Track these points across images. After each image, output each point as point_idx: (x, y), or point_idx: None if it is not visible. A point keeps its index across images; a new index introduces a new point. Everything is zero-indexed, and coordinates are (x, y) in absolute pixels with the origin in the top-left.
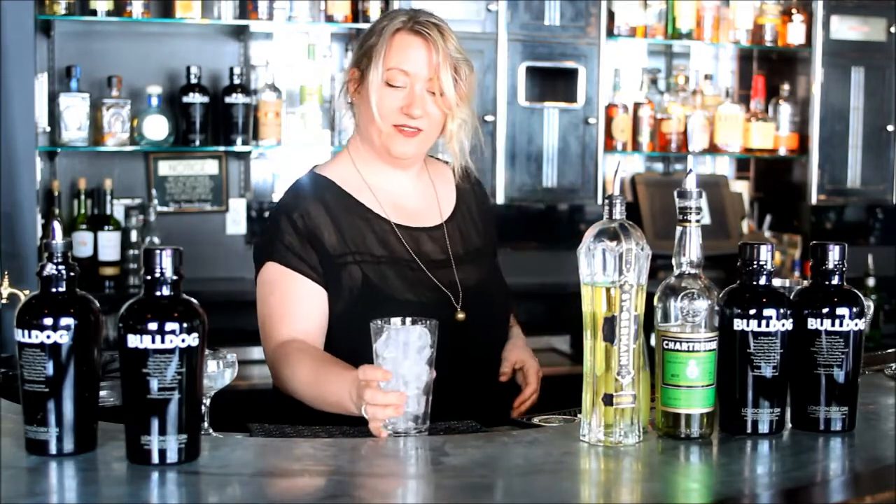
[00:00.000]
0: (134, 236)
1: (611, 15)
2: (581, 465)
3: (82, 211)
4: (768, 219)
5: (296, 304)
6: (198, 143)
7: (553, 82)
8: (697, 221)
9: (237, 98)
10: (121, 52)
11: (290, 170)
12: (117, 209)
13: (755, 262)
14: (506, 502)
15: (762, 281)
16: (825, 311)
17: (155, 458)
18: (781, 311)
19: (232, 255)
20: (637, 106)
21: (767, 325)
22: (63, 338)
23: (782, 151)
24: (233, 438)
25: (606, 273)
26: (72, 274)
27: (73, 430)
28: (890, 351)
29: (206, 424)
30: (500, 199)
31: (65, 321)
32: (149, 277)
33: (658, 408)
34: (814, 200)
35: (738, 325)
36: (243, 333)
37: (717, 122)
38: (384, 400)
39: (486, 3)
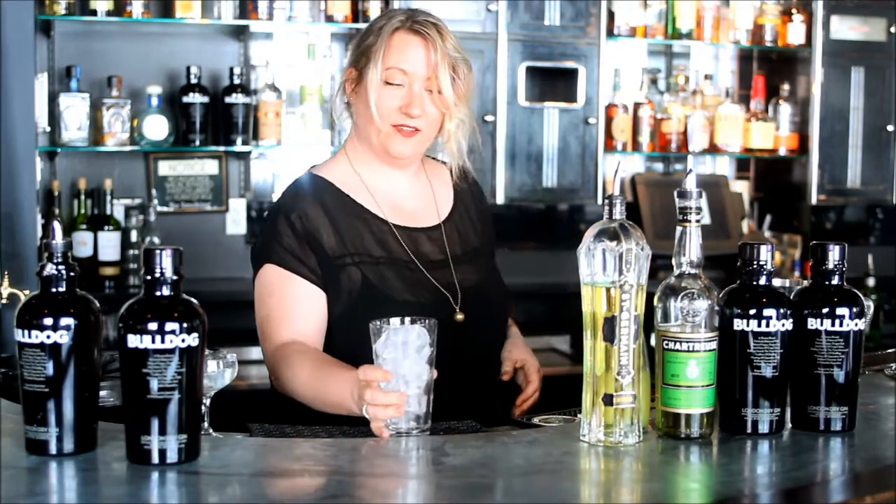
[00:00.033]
0: (134, 236)
1: (611, 15)
2: (581, 465)
3: (82, 211)
4: (768, 219)
5: (295, 306)
6: (198, 143)
7: (553, 82)
8: (697, 221)
9: (237, 98)
10: (121, 52)
11: (290, 170)
12: (117, 209)
13: (755, 262)
14: (506, 502)
15: (762, 281)
16: (825, 311)
17: (155, 458)
18: (781, 311)
19: (232, 255)
20: (637, 106)
21: (767, 325)
22: (63, 338)
23: (782, 151)
24: (233, 438)
25: (606, 273)
26: (72, 274)
27: (73, 430)
28: (890, 351)
29: (206, 424)
30: (500, 199)
31: (65, 321)
32: (149, 277)
33: (658, 408)
34: (814, 200)
35: (738, 325)
36: (243, 333)
37: (717, 122)
38: (385, 400)
39: (486, 3)
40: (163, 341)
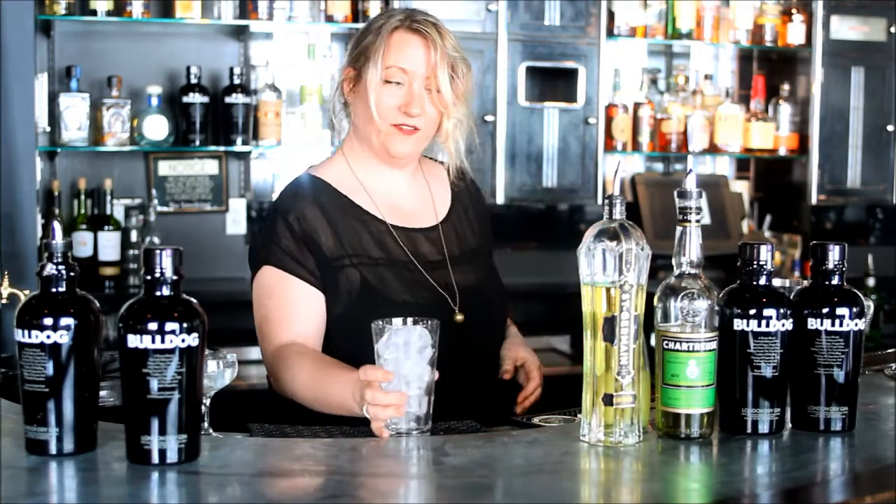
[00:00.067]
0: (134, 236)
1: (611, 15)
2: (581, 465)
3: (82, 211)
4: (768, 219)
5: (293, 308)
6: (198, 143)
7: (553, 82)
8: (697, 221)
9: (237, 98)
10: (121, 52)
11: (290, 170)
12: (117, 209)
13: (755, 262)
14: (506, 502)
15: (762, 281)
16: (825, 311)
17: (155, 458)
18: (781, 311)
19: (232, 255)
20: (637, 106)
21: (767, 325)
22: (63, 338)
23: (782, 151)
24: (233, 438)
25: (606, 273)
26: (72, 274)
27: (73, 430)
28: (890, 351)
29: (206, 424)
30: (500, 199)
31: (65, 321)
32: (149, 277)
33: (658, 408)
34: (814, 200)
35: (738, 325)
36: (243, 333)
37: (717, 122)
38: (385, 400)
39: (486, 3)
40: (163, 341)
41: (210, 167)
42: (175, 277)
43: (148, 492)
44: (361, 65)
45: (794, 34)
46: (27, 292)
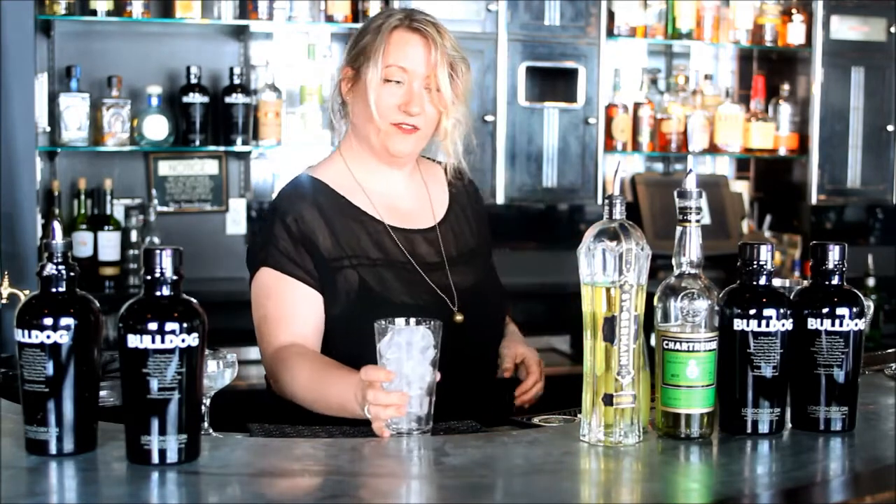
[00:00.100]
0: (134, 236)
1: (611, 15)
2: (581, 465)
3: (82, 211)
4: (768, 219)
5: (292, 309)
6: (198, 143)
7: (553, 82)
8: (697, 221)
9: (237, 98)
10: (121, 52)
11: (290, 170)
12: (117, 209)
13: (755, 262)
14: (506, 502)
15: (762, 281)
16: (825, 311)
17: (155, 458)
18: (781, 311)
19: (232, 255)
20: (637, 106)
21: (767, 325)
22: (63, 338)
23: (782, 151)
24: (233, 438)
25: (606, 273)
26: (72, 274)
27: (73, 430)
28: (890, 351)
29: (206, 424)
30: (500, 199)
31: (65, 321)
32: (149, 277)
33: (658, 408)
34: (814, 200)
35: (738, 325)
36: (243, 333)
37: (717, 122)
38: (387, 400)
39: (486, 3)
40: (163, 341)
41: (210, 167)
42: (175, 277)
43: (148, 492)
44: (360, 64)
45: (794, 34)
46: (27, 292)
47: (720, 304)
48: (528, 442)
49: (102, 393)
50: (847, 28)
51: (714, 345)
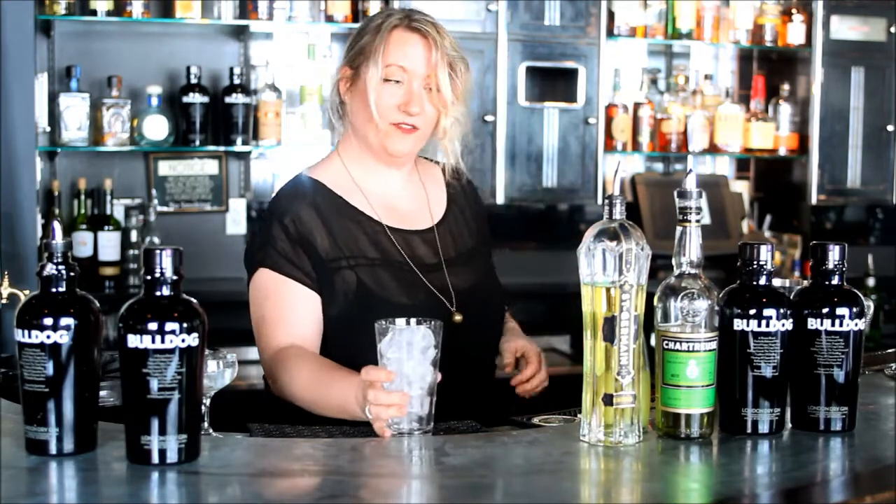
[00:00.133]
0: (134, 236)
1: (611, 15)
2: (581, 465)
3: (82, 211)
4: (768, 219)
5: (290, 310)
6: (198, 143)
7: (553, 82)
8: (697, 221)
9: (237, 98)
10: (121, 52)
11: (290, 170)
12: (117, 209)
13: (755, 262)
14: (506, 502)
15: (762, 281)
16: (825, 311)
17: (155, 458)
18: (781, 311)
19: (232, 255)
20: (637, 106)
21: (767, 325)
22: (63, 338)
23: (782, 151)
24: (233, 438)
25: (606, 273)
26: (72, 274)
27: (73, 430)
28: (890, 351)
29: (206, 424)
30: (500, 199)
31: (65, 321)
32: (149, 277)
33: (658, 408)
34: (814, 200)
35: (738, 325)
36: (243, 333)
37: (717, 122)
38: (387, 400)
39: (486, 3)
40: (163, 341)
41: (210, 167)
42: (175, 277)
43: (148, 492)
44: (359, 64)
45: (794, 34)
46: (27, 292)
47: (720, 304)
48: (528, 442)
49: (102, 393)
50: (847, 28)
51: (714, 345)
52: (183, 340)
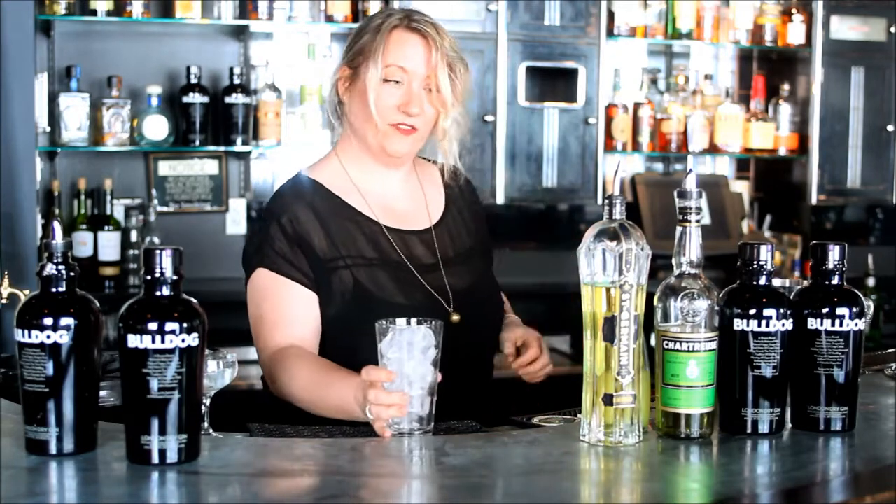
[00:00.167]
0: (134, 236)
1: (611, 15)
2: (581, 465)
3: (82, 211)
4: (768, 219)
5: (289, 310)
6: (198, 143)
7: (553, 82)
8: (697, 221)
9: (237, 98)
10: (121, 52)
11: (290, 170)
12: (117, 209)
13: (755, 262)
14: (506, 502)
15: (762, 281)
16: (825, 311)
17: (155, 458)
18: (781, 311)
19: (232, 255)
20: (637, 106)
21: (767, 325)
22: (63, 338)
23: (782, 151)
24: (233, 438)
25: (606, 273)
26: (72, 274)
27: (73, 430)
28: (890, 351)
29: (206, 424)
30: (500, 199)
31: (65, 321)
32: (149, 277)
33: (658, 408)
34: (814, 200)
35: (738, 325)
36: (243, 333)
37: (717, 122)
38: (388, 400)
39: (486, 3)
40: (163, 341)
41: (210, 167)
42: (175, 277)
43: (148, 492)
44: (359, 64)
45: (794, 34)
46: (27, 292)
47: (720, 304)
48: (528, 442)
49: (102, 393)
50: (847, 28)
51: (714, 345)
52: (183, 340)
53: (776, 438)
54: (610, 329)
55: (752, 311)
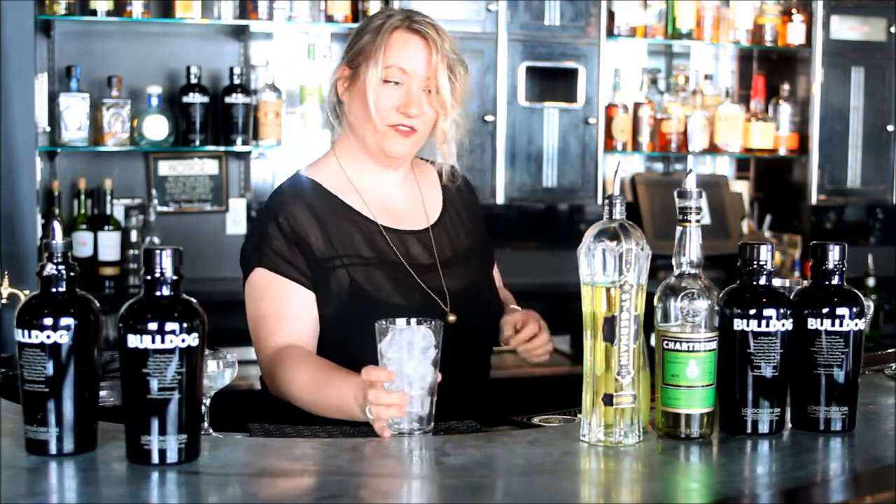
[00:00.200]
0: (134, 236)
1: (611, 15)
2: (581, 465)
3: (82, 211)
4: (768, 219)
5: (287, 310)
6: (198, 143)
7: (553, 82)
8: (697, 221)
9: (237, 98)
10: (121, 52)
11: (290, 170)
12: (117, 209)
13: (755, 262)
14: (506, 502)
15: (762, 281)
16: (825, 311)
17: (155, 458)
18: (781, 311)
19: (232, 255)
20: (637, 106)
21: (767, 325)
22: (63, 338)
23: (782, 151)
24: (233, 438)
25: (606, 273)
26: (72, 274)
27: (73, 430)
28: (890, 351)
29: (206, 424)
30: (500, 199)
31: (65, 321)
32: (149, 277)
33: (658, 408)
34: (814, 200)
35: (738, 325)
36: (243, 333)
37: (717, 122)
38: (388, 400)
39: (486, 3)
40: (163, 341)
41: (210, 167)
42: (175, 277)
43: (148, 492)
44: (358, 64)
45: (794, 34)
46: (27, 292)
47: (720, 304)
48: (528, 442)
49: (102, 393)
50: (847, 28)
51: (714, 345)
52: (183, 340)
53: (776, 438)
54: (610, 329)
55: (752, 311)
